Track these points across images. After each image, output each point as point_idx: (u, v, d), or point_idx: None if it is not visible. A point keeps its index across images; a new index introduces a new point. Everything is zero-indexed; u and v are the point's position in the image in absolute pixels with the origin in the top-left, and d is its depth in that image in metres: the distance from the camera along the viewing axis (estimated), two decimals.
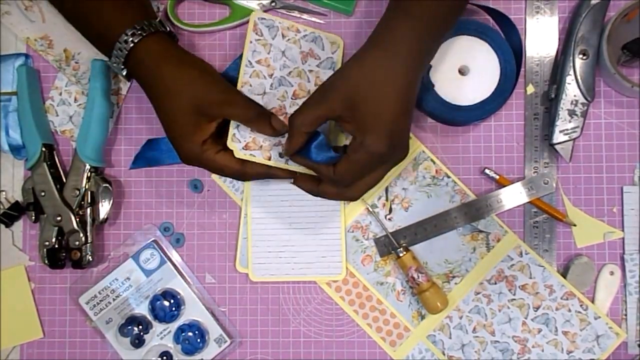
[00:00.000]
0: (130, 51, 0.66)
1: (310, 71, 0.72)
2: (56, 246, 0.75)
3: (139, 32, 0.66)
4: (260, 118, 0.66)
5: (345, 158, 0.63)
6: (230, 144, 0.68)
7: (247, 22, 0.76)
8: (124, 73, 0.68)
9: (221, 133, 0.68)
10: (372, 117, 0.61)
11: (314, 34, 0.74)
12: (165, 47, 0.67)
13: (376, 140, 0.61)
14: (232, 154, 0.68)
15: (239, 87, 0.71)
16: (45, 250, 0.75)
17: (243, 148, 0.68)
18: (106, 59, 0.75)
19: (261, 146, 0.69)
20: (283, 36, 0.73)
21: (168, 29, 0.70)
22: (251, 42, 0.73)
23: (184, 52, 0.69)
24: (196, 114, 0.65)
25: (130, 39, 0.65)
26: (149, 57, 0.66)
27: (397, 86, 0.61)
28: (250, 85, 0.71)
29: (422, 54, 0.62)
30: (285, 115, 0.70)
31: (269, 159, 0.68)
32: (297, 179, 0.69)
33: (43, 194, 0.75)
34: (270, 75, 0.72)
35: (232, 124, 0.68)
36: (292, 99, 0.71)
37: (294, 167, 0.68)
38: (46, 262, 0.75)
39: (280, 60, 0.72)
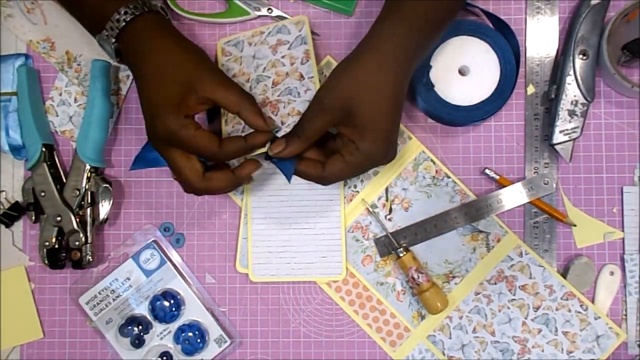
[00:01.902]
0: (124, 28, 0.65)
1: (283, 56, 0.72)
2: (56, 246, 0.75)
3: (132, 10, 0.65)
4: (252, 106, 0.65)
5: (339, 159, 0.64)
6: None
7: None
8: (115, 46, 0.67)
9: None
10: (369, 122, 0.63)
11: (277, 25, 0.74)
12: (164, 25, 0.68)
13: (374, 145, 0.63)
14: (210, 134, 0.65)
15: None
16: (45, 250, 0.75)
17: None
18: (106, 59, 0.75)
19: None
20: (250, 44, 0.74)
21: (166, 14, 0.69)
22: (222, 64, 0.74)
23: (181, 35, 0.69)
24: (188, 89, 0.64)
25: (123, 17, 0.65)
26: (148, 32, 0.66)
27: (390, 91, 0.63)
28: None
29: (411, 59, 0.64)
30: (270, 103, 0.70)
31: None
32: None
33: (43, 194, 0.75)
34: (247, 80, 0.72)
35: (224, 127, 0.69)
36: (272, 87, 0.71)
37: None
38: (46, 262, 0.75)
39: (253, 64, 0.73)
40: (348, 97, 0.62)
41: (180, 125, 0.64)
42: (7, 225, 0.78)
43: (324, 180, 0.66)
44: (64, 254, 0.75)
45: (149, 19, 0.67)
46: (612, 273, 0.74)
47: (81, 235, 0.75)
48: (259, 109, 0.65)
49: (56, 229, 0.75)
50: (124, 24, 0.65)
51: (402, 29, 0.62)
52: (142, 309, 0.76)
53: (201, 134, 0.64)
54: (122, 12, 0.65)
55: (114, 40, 0.67)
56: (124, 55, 0.68)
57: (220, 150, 0.65)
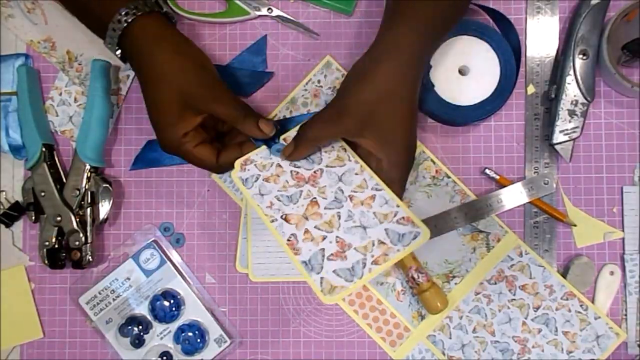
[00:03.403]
0: (124, 31, 0.65)
1: None
2: (56, 246, 0.75)
3: (133, 11, 0.65)
4: (247, 119, 0.65)
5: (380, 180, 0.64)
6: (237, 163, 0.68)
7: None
8: (118, 54, 0.68)
9: (205, 125, 0.67)
10: (390, 132, 0.62)
11: None
12: (161, 30, 0.66)
13: (399, 153, 0.63)
14: (209, 147, 0.67)
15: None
16: (45, 250, 0.75)
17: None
18: (106, 59, 0.75)
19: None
20: None
21: (165, 9, 0.68)
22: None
23: (180, 37, 0.68)
24: (182, 105, 0.64)
25: (124, 18, 0.64)
26: (143, 39, 0.65)
27: (407, 97, 0.62)
28: None
29: (422, 61, 0.65)
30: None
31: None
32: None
33: (43, 194, 0.75)
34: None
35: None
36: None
37: None
38: (46, 262, 0.75)
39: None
40: (368, 110, 0.61)
41: (179, 143, 0.66)
42: (7, 225, 0.78)
43: None
44: (64, 254, 0.75)
45: (146, 25, 0.65)
46: (612, 273, 0.74)
47: (81, 235, 0.75)
48: (256, 119, 0.65)
49: (56, 229, 0.75)
50: (119, 32, 0.65)
51: (417, 35, 0.62)
52: (142, 309, 0.76)
53: (200, 149, 0.66)
54: (116, 21, 0.65)
55: (117, 48, 0.67)
56: (128, 61, 0.69)
57: (218, 165, 0.67)
